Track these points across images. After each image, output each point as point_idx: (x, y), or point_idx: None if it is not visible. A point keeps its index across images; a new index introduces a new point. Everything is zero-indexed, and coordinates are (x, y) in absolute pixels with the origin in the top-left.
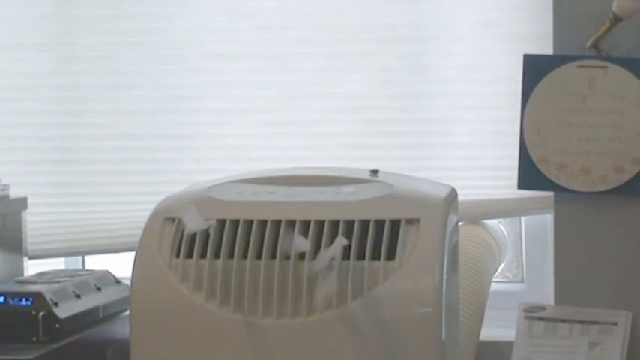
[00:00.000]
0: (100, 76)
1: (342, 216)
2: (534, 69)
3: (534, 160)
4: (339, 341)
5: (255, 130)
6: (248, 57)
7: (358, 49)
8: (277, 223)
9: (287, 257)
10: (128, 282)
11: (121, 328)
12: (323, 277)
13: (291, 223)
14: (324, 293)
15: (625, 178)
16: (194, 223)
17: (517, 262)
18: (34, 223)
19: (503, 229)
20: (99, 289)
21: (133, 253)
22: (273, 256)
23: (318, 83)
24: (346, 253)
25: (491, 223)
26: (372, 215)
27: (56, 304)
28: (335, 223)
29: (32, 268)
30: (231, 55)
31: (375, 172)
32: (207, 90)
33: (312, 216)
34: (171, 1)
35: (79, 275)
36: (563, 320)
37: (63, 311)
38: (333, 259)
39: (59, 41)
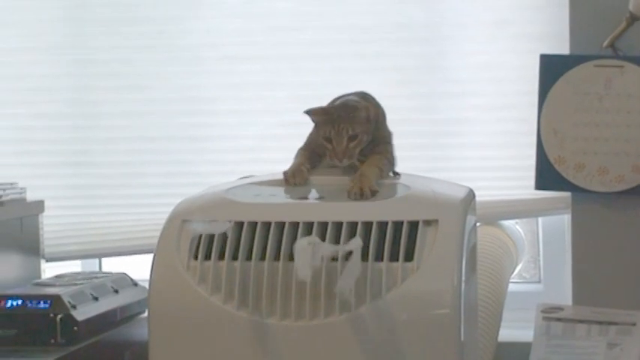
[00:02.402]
0: (115, 78)
1: (360, 217)
2: (551, 69)
3: (551, 160)
4: (358, 342)
5: (271, 132)
6: (263, 58)
7: (373, 50)
8: (295, 225)
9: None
10: (145, 284)
11: (138, 331)
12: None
13: (309, 225)
14: (345, 282)
15: None
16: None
17: (534, 262)
18: (51, 226)
19: (520, 229)
20: (116, 291)
21: (149, 256)
22: (291, 258)
23: (333, 84)
24: (364, 254)
25: (508, 223)
26: (390, 216)
27: (74, 306)
28: (353, 225)
29: (49, 270)
30: (246, 56)
31: (396, 174)
32: (222, 92)
33: (330, 218)
34: (186, 4)
35: (97, 278)
36: (581, 321)
37: (81, 314)
38: (350, 253)
39: (74, 44)
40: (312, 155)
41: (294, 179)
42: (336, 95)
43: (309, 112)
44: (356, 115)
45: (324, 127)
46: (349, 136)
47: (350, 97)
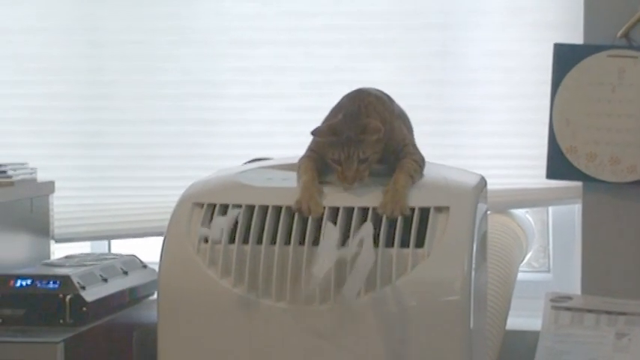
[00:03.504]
0: (127, 60)
1: (372, 203)
2: (564, 58)
3: (563, 149)
4: (367, 328)
5: (282, 116)
6: (274, 43)
7: (385, 36)
8: None
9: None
10: (153, 267)
11: (147, 312)
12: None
13: None
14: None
15: None
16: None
17: (544, 252)
18: (61, 207)
19: (530, 218)
20: (126, 273)
21: (158, 238)
22: (301, 242)
23: (344, 70)
24: (375, 240)
25: (519, 212)
26: None
27: (83, 287)
28: (364, 210)
29: (59, 251)
30: (258, 41)
31: None
32: (233, 76)
33: (342, 203)
34: None
35: (106, 259)
36: (590, 310)
37: (90, 295)
38: (361, 240)
39: (87, 25)
40: (319, 163)
41: (309, 212)
42: (346, 82)
43: (315, 133)
44: (367, 138)
45: (332, 149)
46: (359, 159)
47: (360, 108)
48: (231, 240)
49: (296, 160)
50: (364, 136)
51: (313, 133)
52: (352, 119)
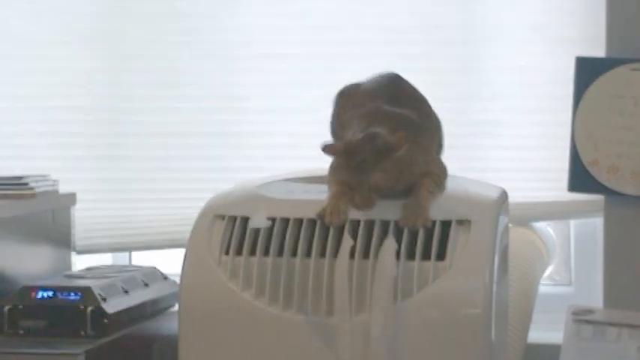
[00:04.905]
0: (148, 74)
1: (393, 216)
2: (586, 71)
3: (585, 163)
4: (388, 341)
5: (304, 129)
6: (297, 57)
7: (407, 51)
8: None
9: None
10: (175, 278)
11: (167, 324)
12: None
13: None
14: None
15: None
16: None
17: (565, 265)
18: (83, 219)
19: (551, 231)
20: (146, 285)
21: (179, 250)
22: (322, 254)
23: None
24: (396, 253)
25: (540, 225)
26: None
27: (104, 299)
28: (385, 223)
29: (80, 263)
30: (280, 54)
31: None
32: (255, 89)
33: (363, 216)
34: (222, 1)
35: (127, 271)
36: (612, 324)
37: (111, 306)
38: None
39: (108, 38)
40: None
41: (331, 220)
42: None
43: (326, 150)
44: (382, 160)
45: (343, 171)
46: (372, 187)
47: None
48: (252, 252)
49: (317, 173)
50: (380, 159)
51: (325, 150)
52: (371, 139)
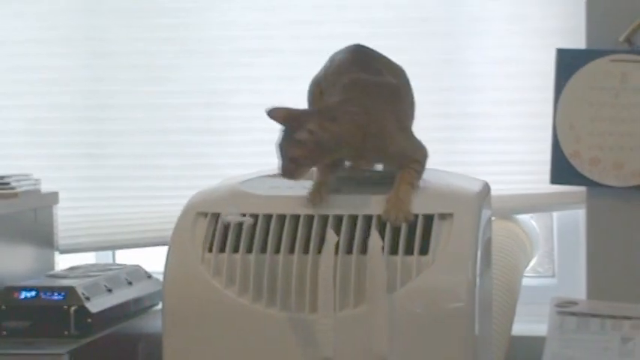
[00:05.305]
0: (131, 70)
1: (376, 210)
2: (567, 63)
3: (567, 154)
4: None
5: None
6: (280, 52)
7: (390, 44)
8: (310, 218)
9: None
10: (158, 277)
11: (152, 323)
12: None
13: (324, 218)
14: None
15: None
16: (230, 217)
17: (549, 257)
18: (65, 218)
19: (534, 223)
20: (130, 283)
21: (163, 248)
22: (305, 250)
23: None
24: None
25: (523, 217)
26: None
27: (88, 298)
28: (368, 218)
29: (63, 262)
30: (263, 49)
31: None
32: (238, 85)
33: (346, 211)
34: None
35: (111, 270)
36: (595, 315)
37: (95, 306)
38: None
39: (90, 36)
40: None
41: (312, 201)
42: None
43: (269, 114)
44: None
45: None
46: (289, 158)
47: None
48: (236, 249)
49: None
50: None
51: (269, 114)
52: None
